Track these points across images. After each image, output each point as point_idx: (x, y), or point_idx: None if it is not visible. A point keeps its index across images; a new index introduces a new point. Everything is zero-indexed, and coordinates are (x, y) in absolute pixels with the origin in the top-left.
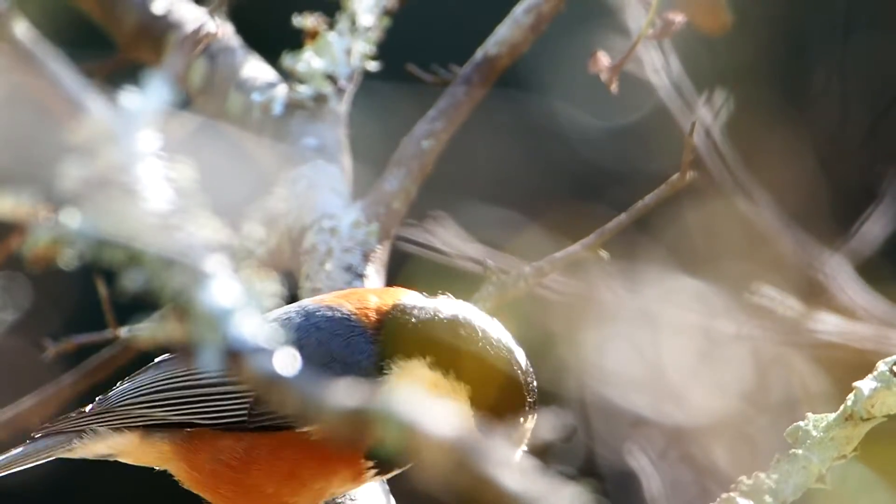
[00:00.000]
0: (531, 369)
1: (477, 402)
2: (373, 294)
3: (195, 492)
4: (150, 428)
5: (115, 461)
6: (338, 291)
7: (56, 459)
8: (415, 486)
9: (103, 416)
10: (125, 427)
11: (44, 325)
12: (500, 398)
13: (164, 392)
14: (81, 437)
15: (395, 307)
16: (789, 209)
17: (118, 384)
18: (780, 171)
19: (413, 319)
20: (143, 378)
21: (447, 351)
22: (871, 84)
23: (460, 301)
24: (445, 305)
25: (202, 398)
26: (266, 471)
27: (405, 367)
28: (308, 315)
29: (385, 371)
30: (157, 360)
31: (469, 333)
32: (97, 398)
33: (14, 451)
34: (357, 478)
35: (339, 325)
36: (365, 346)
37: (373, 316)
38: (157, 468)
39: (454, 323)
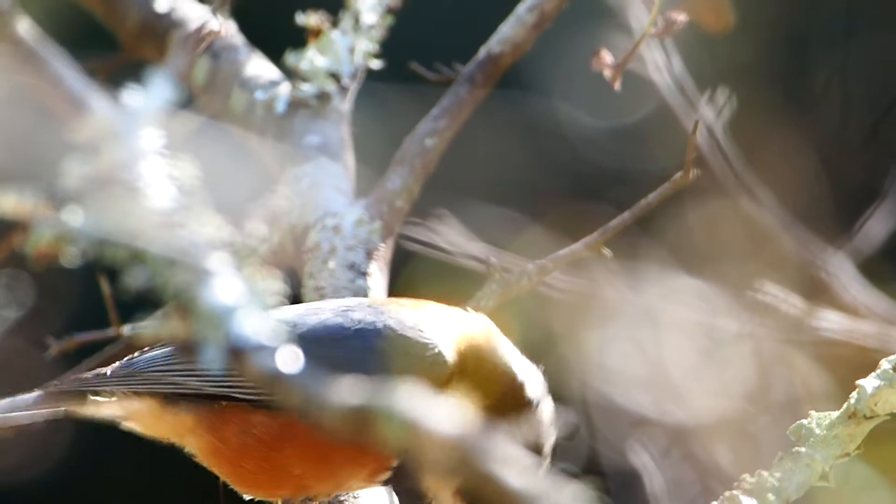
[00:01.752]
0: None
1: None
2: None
3: (209, 465)
4: (175, 396)
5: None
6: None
7: (57, 461)
8: (417, 484)
9: (128, 379)
10: (149, 392)
11: (46, 323)
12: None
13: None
14: (98, 396)
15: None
16: (791, 208)
17: (142, 350)
18: (783, 170)
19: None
20: (175, 348)
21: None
22: (872, 84)
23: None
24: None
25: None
26: (300, 451)
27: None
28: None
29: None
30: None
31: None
32: (120, 362)
33: (23, 396)
34: (375, 476)
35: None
36: (426, 337)
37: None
38: (164, 441)
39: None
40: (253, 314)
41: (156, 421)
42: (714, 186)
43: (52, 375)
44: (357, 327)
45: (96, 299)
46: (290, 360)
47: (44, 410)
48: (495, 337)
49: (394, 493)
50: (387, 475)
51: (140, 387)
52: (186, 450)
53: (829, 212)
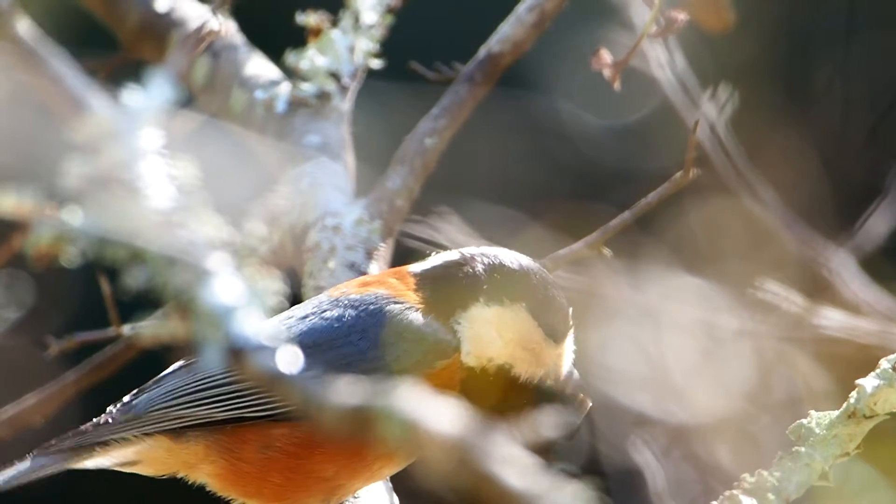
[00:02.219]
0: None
1: (536, 314)
2: (385, 276)
3: (226, 489)
4: (184, 429)
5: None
6: (344, 283)
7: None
8: (417, 484)
9: (132, 423)
10: (158, 431)
11: (46, 322)
12: (551, 305)
13: (205, 391)
14: (105, 445)
15: (416, 277)
16: (793, 206)
17: (134, 394)
18: (784, 168)
19: (442, 275)
20: (174, 382)
21: (490, 283)
22: (873, 82)
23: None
24: (449, 255)
25: (250, 392)
26: (329, 454)
27: (470, 317)
28: (352, 304)
29: (456, 330)
30: (174, 367)
31: (484, 260)
32: (115, 407)
33: (22, 466)
34: (406, 460)
35: (388, 304)
36: (422, 317)
37: (403, 291)
38: (178, 475)
39: (470, 259)
40: (253, 314)
41: (168, 457)
42: (715, 184)
43: (53, 375)
44: (350, 324)
45: (96, 299)
46: (290, 359)
47: (45, 474)
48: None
49: (394, 494)
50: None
51: (148, 427)
52: (198, 481)
53: (830, 209)
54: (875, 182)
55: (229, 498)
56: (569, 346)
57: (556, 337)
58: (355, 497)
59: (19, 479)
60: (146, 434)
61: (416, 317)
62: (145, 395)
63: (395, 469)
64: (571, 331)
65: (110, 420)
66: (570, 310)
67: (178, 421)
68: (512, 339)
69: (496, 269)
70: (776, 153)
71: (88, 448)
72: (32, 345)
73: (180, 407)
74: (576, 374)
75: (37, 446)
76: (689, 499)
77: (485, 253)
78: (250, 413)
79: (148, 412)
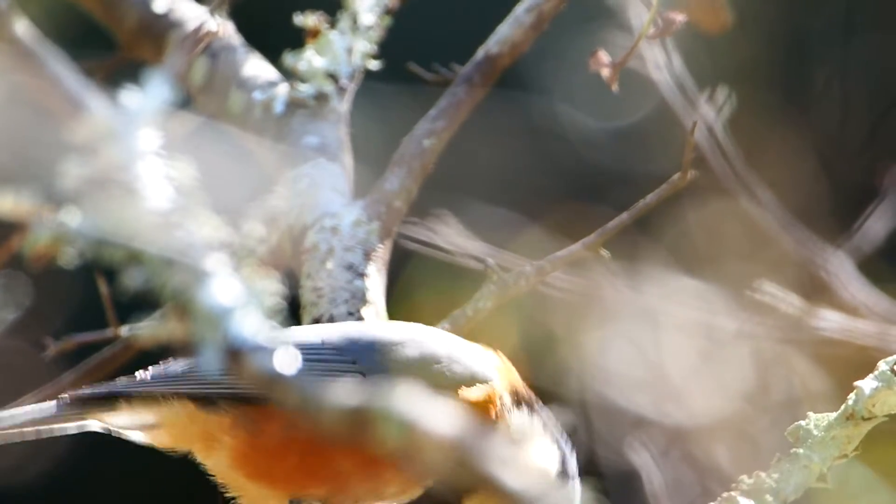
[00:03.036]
0: None
1: None
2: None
3: (238, 470)
4: (214, 397)
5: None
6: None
7: (58, 461)
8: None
9: (172, 380)
10: (189, 393)
11: (44, 323)
12: None
13: None
14: (130, 401)
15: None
16: (791, 207)
17: (166, 362)
18: (782, 170)
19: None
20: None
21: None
22: (871, 84)
23: None
24: None
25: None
26: (349, 450)
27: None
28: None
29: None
30: None
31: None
32: (153, 368)
33: (46, 407)
34: (408, 489)
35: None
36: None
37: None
38: (185, 451)
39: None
40: (251, 315)
41: (190, 424)
42: (714, 186)
43: (50, 376)
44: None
45: (94, 300)
46: (287, 360)
47: (69, 422)
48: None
49: None
50: (418, 492)
51: (184, 387)
52: (205, 460)
53: (828, 211)
54: (873, 184)
55: (233, 487)
56: None
57: None
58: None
59: (38, 421)
60: (174, 396)
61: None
62: (182, 361)
63: (398, 492)
64: None
65: (147, 377)
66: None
67: (216, 387)
68: None
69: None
70: (774, 155)
71: (114, 401)
72: (30, 346)
73: (221, 373)
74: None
75: (37, 446)
76: (687, 500)
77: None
78: None
79: (186, 374)
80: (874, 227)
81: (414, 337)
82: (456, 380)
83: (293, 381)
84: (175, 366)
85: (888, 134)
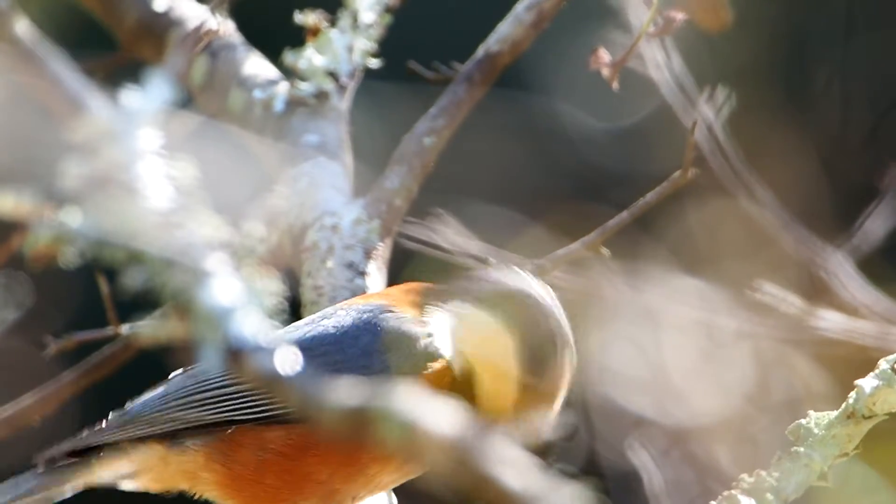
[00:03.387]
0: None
1: (519, 339)
2: (393, 289)
3: (226, 497)
4: (179, 436)
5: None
6: (360, 296)
7: None
8: (417, 485)
9: (126, 427)
10: (152, 436)
11: (45, 322)
12: (537, 345)
13: (199, 394)
14: (101, 456)
15: (422, 291)
16: (791, 207)
17: (131, 401)
18: (782, 169)
19: (444, 290)
20: (168, 387)
21: (483, 299)
22: (872, 83)
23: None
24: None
25: (243, 394)
26: (323, 457)
27: (456, 329)
28: (349, 312)
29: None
30: (172, 374)
31: (490, 277)
32: (111, 414)
33: (25, 483)
34: (404, 468)
35: (382, 313)
36: (414, 327)
37: (402, 302)
38: (182, 489)
39: (476, 277)
40: (251, 315)
41: (164, 466)
42: (714, 186)
43: (51, 375)
44: (346, 331)
45: (95, 299)
46: (288, 360)
47: (51, 493)
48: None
49: (392, 494)
50: (419, 472)
51: (140, 431)
52: (197, 493)
53: (828, 211)
54: (873, 183)
55: None
56: (555, 392)
57: (535, 371)
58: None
59: (17, 498)
60: (140, 440)
61: (409, 327)
62: (140, 399)
63: (395, 478)
64: (565, 374)
65: (103, 426)
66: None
67: (171, 424)
68: (485, 361)
69: (495, 287)
70: (774, 154)
71: (87, 461)
72: (31, 345)
73: (172, 410)
74: (562, 425)
75: (35, 447)
76: (688, 500)
77: (494, 274)
78: (242, 416)
79: (140, 415)
80: (874, 226)
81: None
82: (419, 364)
83: (294, 382)
84: (135, 406)
85: (888, 134)
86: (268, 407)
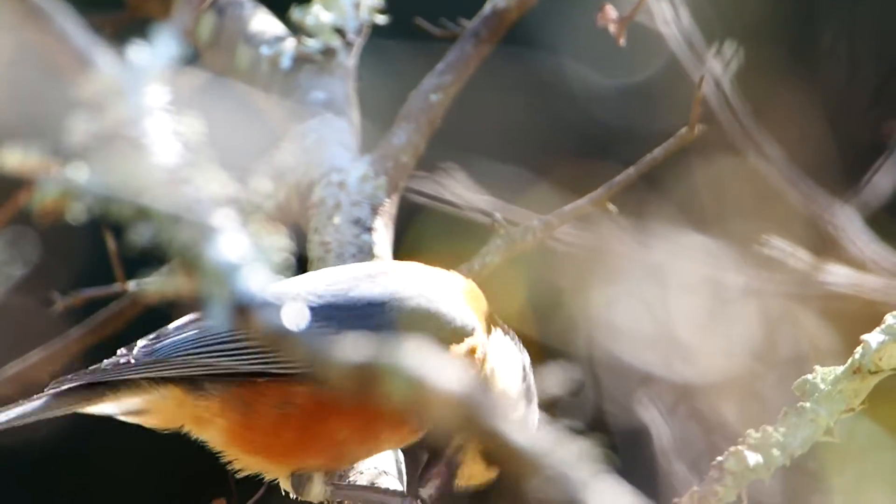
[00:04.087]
0: None
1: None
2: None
3: (233, 446)
4: (199, 380)
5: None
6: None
7: (60, 425)
8: (422, 441)
9: (155, 365)
10: (177, 377)
11: (52, 279)
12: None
13: (231, 343)
14: (116, 390)
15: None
16: (799, 162)
17: (154, 338)
18: (790, 125)
19: None
20: (198, 332)
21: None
22: (879, 39)
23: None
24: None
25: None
26: (346, 418)
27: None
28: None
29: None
30: (189, 317)
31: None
32: (133, 349)
33: (34, 403)
34: (407, 439)
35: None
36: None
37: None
38: (182, 430)
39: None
40: (258, 271)
41: (178, 408)
42: (721, 142)
43: (58, 331)
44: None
45: (102, 256)
46: (296, 316)
47: (57, 414)
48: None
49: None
50: (418, 438)
51: (169, 371)
52: (199, 435)
53: (835, 166)
54: (880, 139)
55: (229, 456)
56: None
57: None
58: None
59: (27, 417)
60: (160, 381)
61: (437, 303)
62: (168, 340)
63: (400, 443)
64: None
65: (132, 360)
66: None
67: (202, 369)
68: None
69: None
70: (782, 110)
71: (100, 391)
72: (38, 301)
73: (205, 355)
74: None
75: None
76: (695, 456)
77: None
78: (275, 369)
79: (170, 357)
80: (881, 182)
81: (396, 292)
82: (446, 337)
83: (301, 337)
84: (164, 345)
85: None
86: (297, 362)
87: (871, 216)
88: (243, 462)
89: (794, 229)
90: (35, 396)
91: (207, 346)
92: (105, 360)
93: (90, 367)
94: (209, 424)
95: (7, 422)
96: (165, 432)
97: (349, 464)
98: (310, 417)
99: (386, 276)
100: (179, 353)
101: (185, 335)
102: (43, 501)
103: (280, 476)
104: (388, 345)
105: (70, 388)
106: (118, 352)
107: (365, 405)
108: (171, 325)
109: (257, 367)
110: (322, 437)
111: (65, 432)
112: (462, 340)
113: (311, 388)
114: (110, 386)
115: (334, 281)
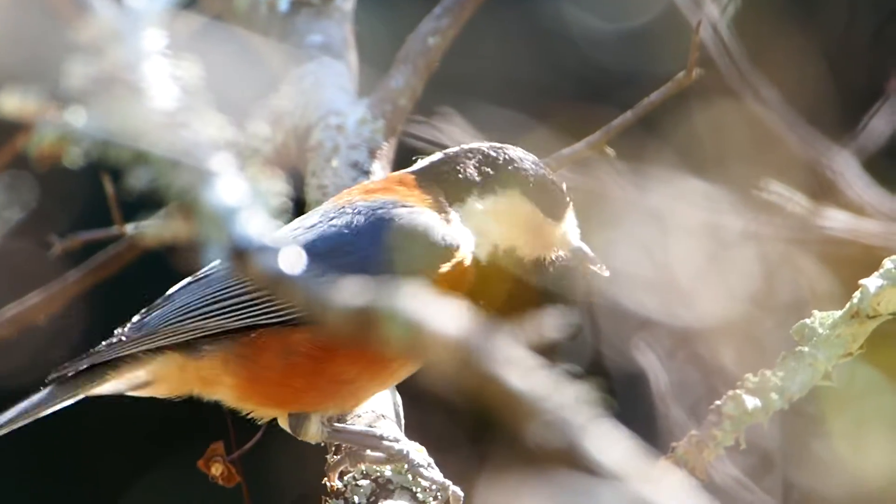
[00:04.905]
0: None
1: (532, 196)
2: (389, 182)
3: (247, 401)
4: (196, 343)
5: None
6: (347, 192)
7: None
8: (420, 385)
9: (144, 339)
10: (170, 346)
11: (50, 222)
12: (545, 187)
13: (220, 302)
14: (117, 367)
15: (417, 180)
16: (797, 107)
17: (144, 312)
18: (788, 70)
19: (436, 174)
20: (186, 297)
21: (481, 175)
22: None
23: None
24: (438, 155)
25: (264, 300)
26: (352, 356)
27: (468, 211)
28: (359, 211)
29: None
30: (182, 283)
31: (471, 154)
32: (128, 326)
33: (38, 395)
34: (403, 372)
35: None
36: (428, 219)
37: (408, 194)
38: (193, 394)
39: (459, 156)
40: (256, 214)
41: (181, 374)
42: (720, 87)
43: (56, 274)
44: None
45: (100, 199)
46: (293, 260)
47: (63, 403)
48: None
49: (396, 393)
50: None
51: (163, 340)
52: (209, 396)
53: (834, 111)
54: (878, 84)
55: (246, 410)
56: (570, 223)
57: (554, 215)
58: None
59: (35, 412)
60: (158, 351)
61: (423, 219)
62: (157, 311)
63: (410, 371)
64: (570, 208)
65: (123, 339)
66: (565, 187)
67: (193, 333)
68: (512, 224)
69: (485, 161)
70: (780, 54)
71: (101, 372)
72: (36, 244)
73: (194, 319)
74: (584, 247)
75: (38, 350)
76: (693, 400)
77: (472, 148)
78: (266, 320)
79: (161, 326)
80: (879, 126)
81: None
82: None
83: (298, 282)
84: (152, 318)
85: (894, 35)
86: (291, 310)
87: (868, 160)
88: (256, 411)
89: (792, 174)
90: (38, 394)
91: (195, 309)
92: (101, 344)
93: (88, 352)
94: (217, 384)
95: (13, 419)
96: (178, 400)
97: (362, 401)
98: (316, 363)
99: (361, 202)
100: (169, 322)
101: (171, 304)
102: (40, 446)
103: (279, 417)
104: (387, 288)
105: (72, 376)
106: (115, 332)
107: (369, 343)
108: (159, 299)
109: (249, 321)
110: (333, 380)
111: None
112: (451, 258)
113: (311, 334)
114: (111, 365)
115: (309, 224)
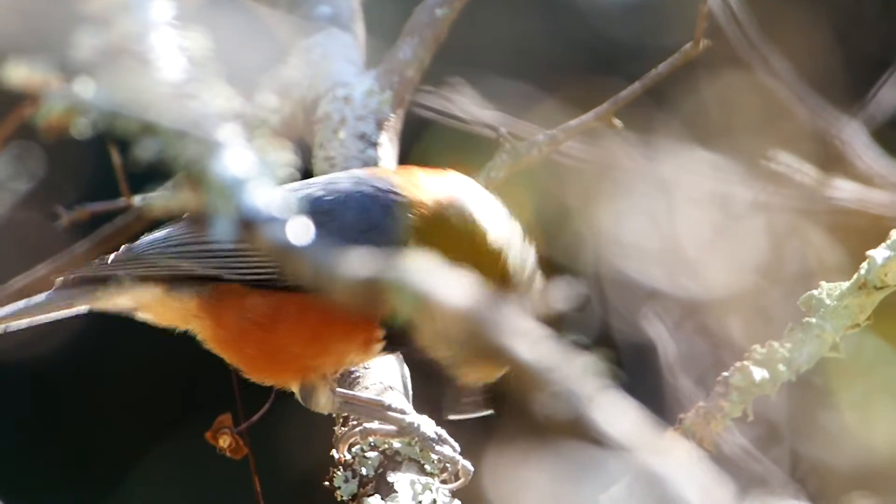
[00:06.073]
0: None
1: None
2: (429, 177)
3: (218, 352)
4: (176, 281)
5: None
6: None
7: (67, 337)
8: (426, 355)
9: (129, 263)
10: (151, 277)
11: (57, 194)
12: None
13: (193, 245)
14: (106, 286)
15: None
16: (806, 77)
17: (144, 235)
18: (797, 40)
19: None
20: (172, 230)
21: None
22: None
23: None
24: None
25: (232, 253)
26: (293, 330)
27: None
28: (357, 182)
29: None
30: (185, 216)
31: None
32: (123, 246)
33: (36, 298)
34: (367, 347)
35: (382, 196)
36: (395, 224)
37: (421, 197)
38: (178, 329)
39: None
40: (264, 185)
41: (163, 308)
42: (728, 57)
43: (63, 246)
44: (336, 197)
45: (107, 170)
46: (300, 231)
47: (58, 313)
48: (478, 200)
49: (404, 365)
50: (382, 344)
51: (140, 270)
52: (196, 335)
53: (843, 81)
54: (888, 54)
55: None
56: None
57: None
58: (366, 368)
59: (31, 312)
60: (141, 279)
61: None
62: (147, 238)
63: (364, 357)
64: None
65: (111, 259)
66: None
67: (167, 270)
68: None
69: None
70: (789, 24)
71: (90, 288)
72: (43, 216)
73: (169, 256)
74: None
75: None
76: (701, 371)
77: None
78: (228, 274)
79: (142, 255)
80: (888, 96)
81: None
82: None
83: (306, 252)
84: (142, 242)
85: None
86: (251, 269)
87: (877, 131)
88: (237, 365)
89: (800, 144)
90: (38, 295)
91: (173, 246)
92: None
93: (83, 265)
94: (197, 322)
95: (7, 316)
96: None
97: (326, 378)
98: (263, 331)
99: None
100: (150, 252)
101: (159, 233)
102: (51, 419)
103: (293, 388)
104: (395, 260)
105: (66, 286)
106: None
107: (310, 316)
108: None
109: (212, 272)
110: (281, 352)
111: (73, 350)
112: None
113: (261, 298)
114: (100, 282)
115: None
